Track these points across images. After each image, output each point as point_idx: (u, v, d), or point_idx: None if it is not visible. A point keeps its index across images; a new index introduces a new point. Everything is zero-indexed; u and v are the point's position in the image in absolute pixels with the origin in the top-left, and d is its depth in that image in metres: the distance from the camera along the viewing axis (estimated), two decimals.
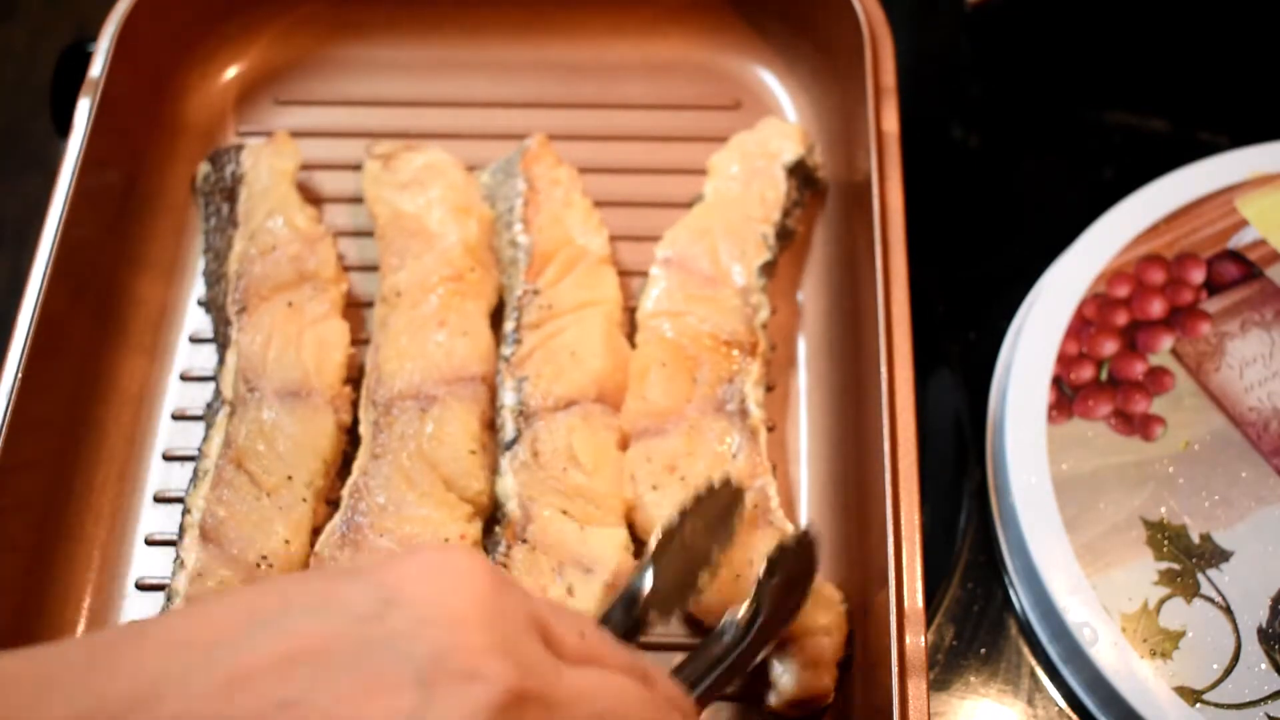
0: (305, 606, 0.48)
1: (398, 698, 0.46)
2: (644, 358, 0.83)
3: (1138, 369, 0.83)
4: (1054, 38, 1.05)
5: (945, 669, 0.78)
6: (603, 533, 0.77)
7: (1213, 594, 0.75)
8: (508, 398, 0.81)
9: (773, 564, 0.69)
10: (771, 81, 0.99)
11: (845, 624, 0.74)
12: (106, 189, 0.90)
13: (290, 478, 0.78)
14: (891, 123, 0.86)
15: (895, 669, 0.67)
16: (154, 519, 0.82)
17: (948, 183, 0.99)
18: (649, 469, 0.78)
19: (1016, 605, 0.80)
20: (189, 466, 0.82)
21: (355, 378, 0.85)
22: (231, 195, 0.90)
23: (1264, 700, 0.72)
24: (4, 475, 0.76)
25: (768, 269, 0.87)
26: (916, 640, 0.68)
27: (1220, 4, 1.03)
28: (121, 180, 0.92)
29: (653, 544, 0.68)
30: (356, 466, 0.80)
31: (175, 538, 0.78)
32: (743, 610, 0.68)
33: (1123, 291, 0.85)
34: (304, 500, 0.78)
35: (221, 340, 0.85)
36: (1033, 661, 0.78)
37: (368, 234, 0.91)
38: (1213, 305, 0.85)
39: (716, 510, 0.71)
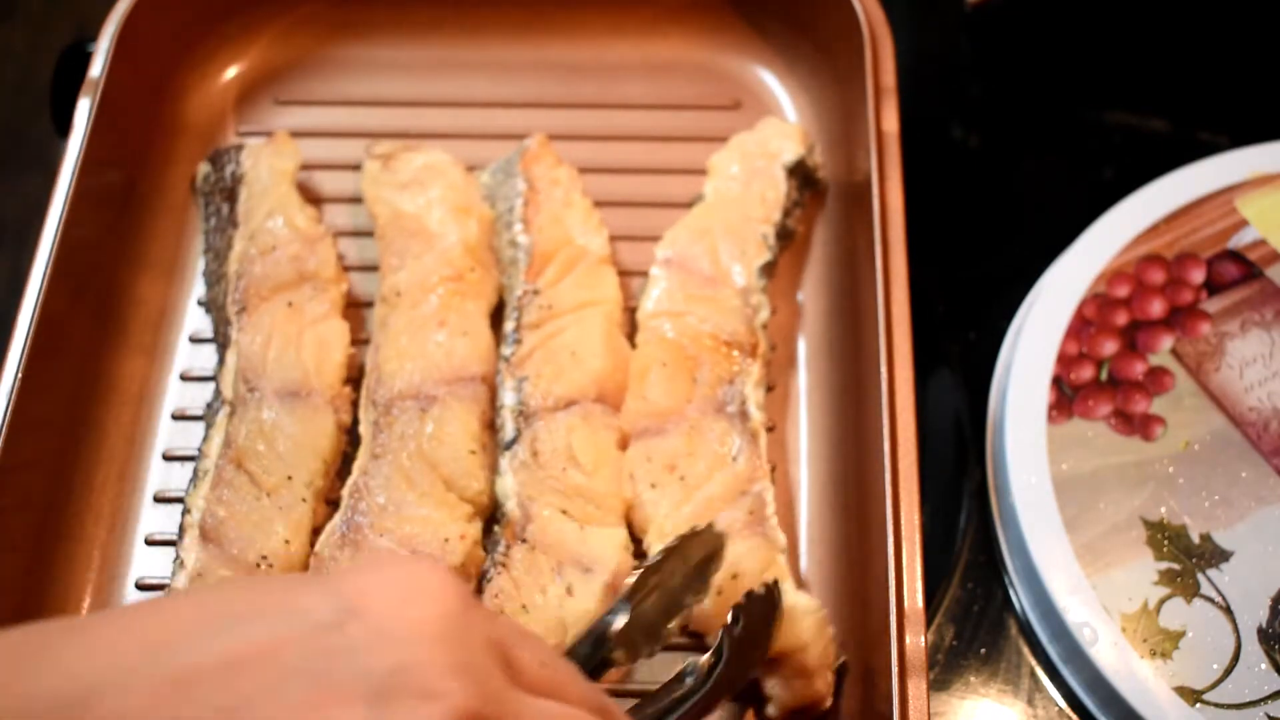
0: (262, 612, 0.47)
1: (347, 711, 0.44)
2: (644, 358, 0.83)
3: (1138, 369, 0.83)
4: (1054, 38, 1.05)
5: (945, 669, 0.78)
6: (602, 532, 0.77)
7: (1213, 594, 0.75)
8: (508, 397, 0.81)
9: (738, 612, 0.68)
10: (771, 81, 0.99)
11: (824, 631, 0.73)
12: (106, 189, 0.90)
13: (290, 478, 0.78)
14: (891, 123, 0.86)
15: (895, 669, 0.67)
16: (154, 519, 0.82)
17: (948, 183, 0.99)
18: (649, 469, 0.78)
19: (1016, 605, 0.80)
20: (189, 466, 0.82)
21: (355, 378, 0.85)
22: (231, 195, 0.90)
23: (1264, 700, 0.72)
24: (4, 475, 0.76)
25: (768, 269, 0.87)
26: (916, 640, 0.68)
27: (1220, 4, 1.03)
28: (121, 180, 0.92)
29: (631, 581, 0.67)
30: (356, 466, 0.80)
31: (175, 538, 0.78)
32: (705, 656, 0.67)
33: (1123, 291, 0.85)
34: (304, 500, 0.78)
35: (221, 340, 0.85)
36: (1033, 661, 0.78)
37: (368, 234, 0.91)
38: (1213, 305, 0.85)
39: (698, 555, 0.70)
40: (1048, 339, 0.84)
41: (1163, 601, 0.74)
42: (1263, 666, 0.73)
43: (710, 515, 0.76)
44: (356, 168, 0.93)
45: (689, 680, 0.66)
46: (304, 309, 0.84)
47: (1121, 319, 0.84)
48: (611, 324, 0.84)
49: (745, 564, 0.74)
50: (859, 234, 0.85)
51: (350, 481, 0.79)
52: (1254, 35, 1.03)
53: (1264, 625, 0.74)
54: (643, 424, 0.80)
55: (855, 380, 0.82)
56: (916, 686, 0.67)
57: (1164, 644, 0.73)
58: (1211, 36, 1.03)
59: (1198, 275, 0.86)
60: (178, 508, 0.80)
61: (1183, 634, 0.73)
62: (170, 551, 0.79)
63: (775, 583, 0.71)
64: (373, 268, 0.89)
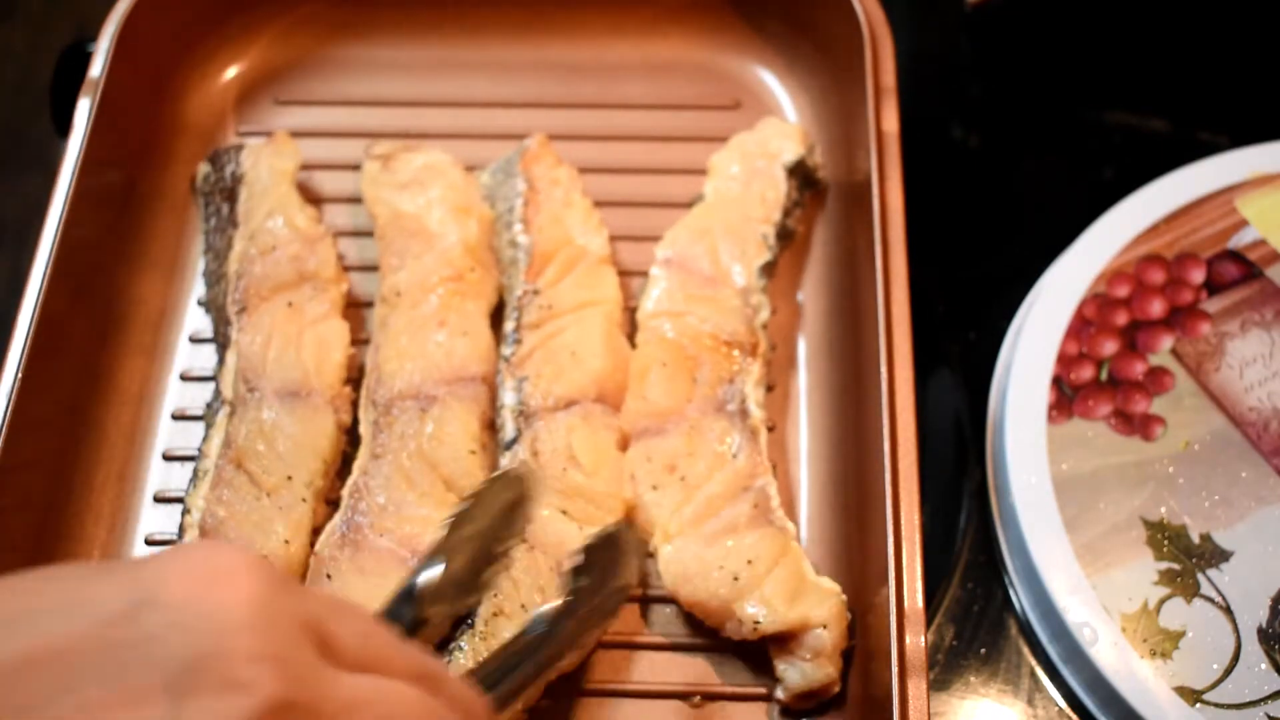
0: (54, 605, 0.44)
1: (145, 708, 0.41)
2: (644, 358, 0.83)
3: (1138, 369, 0.83)
4: (1054, 38, 1.05)
5: (945, 669, 0.78)
6: None
7: (1213, 594, 0.75)
8: (508, 398, 0.81)
9: (578, 562, 0.67)
10: (771, 81, 0.99)
11: (844, 614, 0.74)
12: (106, 189, 0.90)
13: (290, 478, 0.78)
14: (891, 123, 0.86)
15: (895, 669, 0.67)
16: (154, 519, 0.82)
17: (948, 183, 0.99)
18: (649, 469, 0.78)
19: (1016, 605, 0.80)
20: (189, 466, 0.82)
21: (355, 378, 0.85)
22: (231, 195, 0.90)
23: (1264, 700, 0.72)
24: (4, 475, 0.76)
25: (768, 269, 0.87)
26: (916, 640, 0.68)
27: (1220, 4, 1.03)
28: (121, 180, 0.92)
29: (438, 534, 0.64)
30: (356, 466, 0.80)
31: (175, 538, 0.78)
32: (549, 607, 0.65)
33: (1123, 291, 0.85)
34: (304, 500, 0.78)
35: (221, 340, 0.85)
36: (1033, 661, 0.78)
37: (368, 234, 0.91)
38: (1213, 305, 0.85)
39: (504, 500, 0.67)
40: (1048, 339, 0.84)
41: (1163, 601, 0.74)
42: (1263, 666, 0.73)
43: (713, 514, 0.76)
44: (356, 168, 0.93)
45: (530, 635, 0.64)
46: (304, 309, 0.84)
47: (1121, 319, 0.84)
48: (611, 324, 0.84)
49: (759, 551, 0.74)
50: (859, 234, 0.85)
51: (350, 481, 0.79)
52: (1254, 35, 1.03)
53: (1264, 625, 0.74)
54: (643, 424, 0.80)
55: (855, 380, 0.82)
56: (916, 686, 0.67)
57: (1164, 644, 0.73)
58: (1211, 36, 1.03)
59: (1198, 275, 0.86)
60: (178, 508, 0.80)
61: (1183, 634, 0.73)
62: None
63: (615, 529, 0.70)
64: (373, 268, 0.89)
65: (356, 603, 0.53)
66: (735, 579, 0.73)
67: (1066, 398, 0.82)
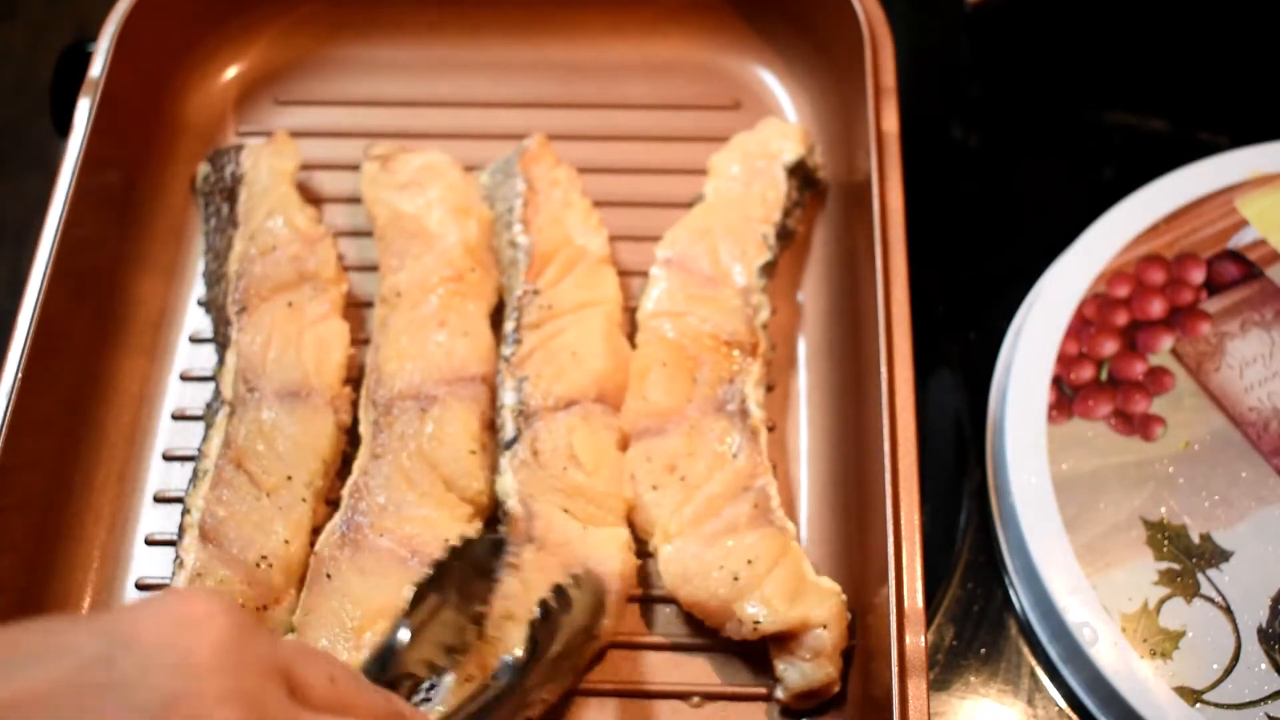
0: (35, 653, 0.46)
1: None
2: (644, 358, 0.83)
3: (1138, 369, 0.83)
4: (1054, 38, 1.05)
5: (945, 669, 0.78)
6: (604, 533, 0.77)
7: (1213, 594, 0.75)
8: (508, 398, 0.81)
9: (546, 607, 0.68)
10: (771, 81, 0.99)
11: (844, 614, 0.74)
12: (106, 189, 0.90)
13: (290, 478, 0.78)
14: (891, 123, 0.86)
15: (895, 669, 0.67)
16: (154, 519, 0.82)
17: (948, 183, 0.99)
18: (649, 469, 0.78)
19: (1016, 605, 0.80)
20: (189, 466, 0.82)
21: (355, 378, 0.85)
22: (231, 195, 0.90)
23: (1264, 700, 0.72)
24: (4, 475, 0.76)
25: (768, 269, 0.87)
26: (916, 640, 0.68)
27: (1220, 4, 1.03)
28: (121, 180, 0.92)
29: (407, 596, 0.67)
30: (356, 466, 0.80)
31: (175, 538, 0.78)
32: (518, 651, 0.67)
33: (1123, 291, 0.85)
34: (304, 500, 0.78)
35: (221, 340, 0.85)
36: (1033, 661, 0.78)
37: (368, 234, 0.91)
38: (1213, 305, 0.85)
39: (477, 559, 0.70)
40: (1048, 339, 0.84)
41: (1163, 601, 0.74)
42: (1263, 666, 0.73)
43: (714, 514, 0.76)
44: (356, 168, 0.93)
45: (502, 680, 0.66)
46: (304, 309, 0.84)
47: (1121, 319, 0.84)
48: (611, 324, 0.84)
49: (758, 551, 0.74)
50: (859, 234, 0.85)
51: (350, 481, 0.79)
52: (1254, 35, 1.03)
53: (1264, 625, 0.74)
54: (643, 424, 0.80)
55: (855, 380, 0.82)
56: (916, 686, 0.67)
57: (1164, 644, 0.73)
58: (1211, 36, 1.03)
59: (1198, 275, 0.86)
60: (178, 508, 0.80)
61: (1183, 634, 0.73)
62: (170, 551, 0.79)
63: (584, 572, 0.71)
64: (373, 268, 0.89)
65: (323, 650, 0.55)
66: (735, 579, 0.73)
67: (1066, 398, 0.82)
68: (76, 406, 0.84)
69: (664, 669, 0.76)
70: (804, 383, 0.86)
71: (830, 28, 0.92)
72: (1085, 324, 0.84)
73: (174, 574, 0.76)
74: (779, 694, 0.74)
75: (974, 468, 0.84)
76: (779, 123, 0.93)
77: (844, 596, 0.74)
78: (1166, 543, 0.76)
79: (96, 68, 0.89)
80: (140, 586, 0.80)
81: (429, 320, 0.83)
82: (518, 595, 0.74)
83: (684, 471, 0.78)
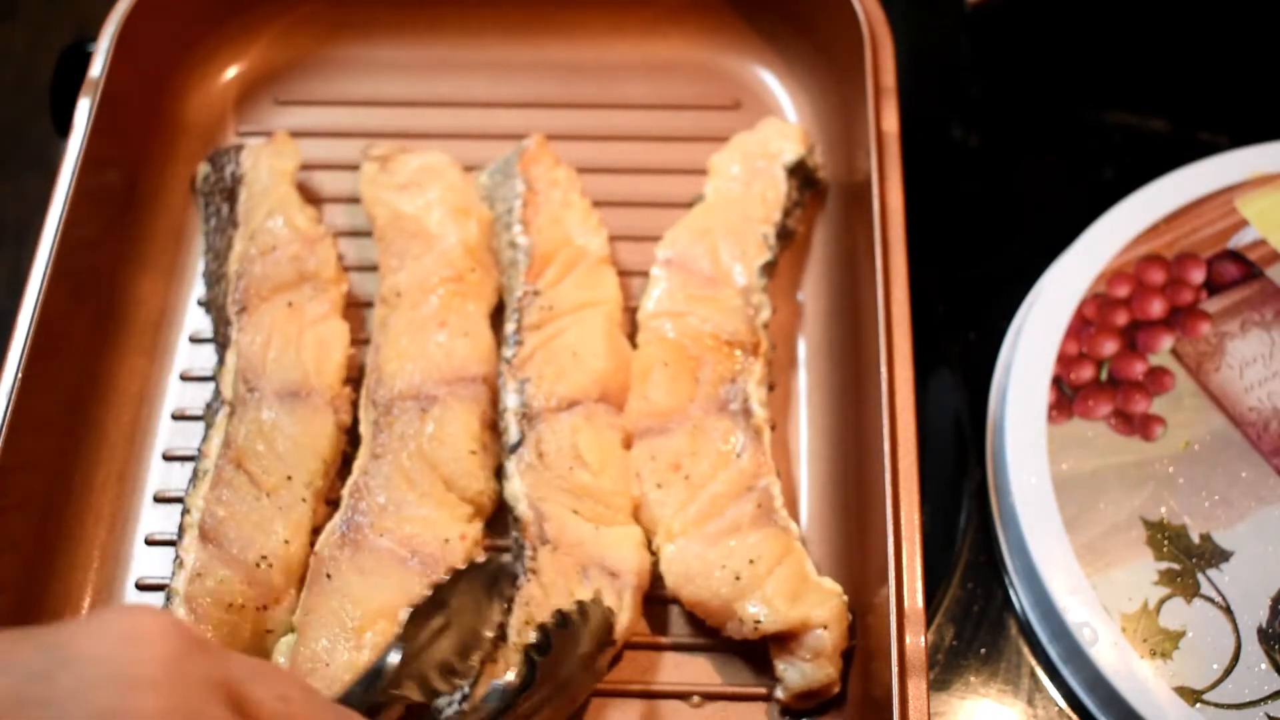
0: None
1: None
2: (646, 358, 0.83)
3: (1138, 369, 0.83)
4: (1054, 38, 1.05)
5: (945, 669, 0.78)
6: (617, 532, 0.77)
7: (1213, 594, 0.75)
8: (510, 400, 0.81)
9: (546, 636, 0.67)
10: (771, 81, 0.99)
11: (845, 615, 0.74)
12: (106, 189, 0.90)
13: (290, 478, 0.78)
14: (891, 123, 0.86)
15: (895, 669, 0.67)
16: (154, 519, 0.82)
17: (948, 183, 0.99)
18: (654, 467, 0.78)
19: (1016, 605, 0.80)
20: (189, 466, 0.82)
21: (355, 378, 0.85)
22: (231, 195, 0.90)
23: (1264, 700, 0.72)
24: (4, 475, 0.76)
25: (768, 269, 0.87)
26: (916, 640, 0.68)
27: (1220, 4, 1.03)
28: (121, 180, 0.92)
29: (403, 618, 0.67)
30: (357, 466, 0.80)
31: (175, 538, 0.78)
32: (510, 676, 0.65)
33: (1123, 291, 0.85)
34: (304, 500, 0.78)
35: (221, 340, 0.85)
36: (1033, 661, 0.78)
37: (368, 234, 0.91)
38: (1213, 305, 0.85)
39: (481, 585, 0.70)
40: (1048, 339, 0.84)
41: (1163, 601, 0.74)
42: (1263, 666, 0.73)
43: (718, 513, 0.76)
44: (356, 168, 0.93)
45: (492, 703, 0.65)
46: (304, 309, 0.84)
47: (1121, 319, 0.84)
48: (612, 324, 0.84)
49: (761, 550, 0.74)
50: (859, 234, 0.85)
51: (350, 481, 0.79)
52: (1254, 35, 1.03)
53: (1264, 625, 0.74)
54: (646, 424, 0.80)
55: (855, 380, 0.82)
56: (916, 686, 0.67)
57: (1164, 644, 0.73)
58: (1211, 36, 1.03)
59: (1198, 275, 0.86)
60: (178, 508, 0.80)
61: (1183, 634, 0.73)
62: (170, 551, 0.79)
63: (592, 601, 0.70)
64: (373, 268, 0.89)
65: (282, 669, 0.54)
66: (737, 578, 0.74)
67: (1066, 398, 0.82)
68: (76, 406, 0.84)
69: (664, 669, 0.76)
70: (804, 383, 0.86)
71: (830, 28, 0.92)
72: (1085, 324, 0.84)
73: (174, 574, 0.76)
74: (779, 694, 0.74)
75: (974, 468, 0.84)
76: (779, 123, 0.93)
77: (845, 597, 0.74)
78: (1166, 543, 0.76)
79: (96, 68, 0.89)
80: (140, 586, 0.80)
81: (429, 320, 0.83)
82: (538, 601, 0.74)
83: (688, 470, 0.78)
